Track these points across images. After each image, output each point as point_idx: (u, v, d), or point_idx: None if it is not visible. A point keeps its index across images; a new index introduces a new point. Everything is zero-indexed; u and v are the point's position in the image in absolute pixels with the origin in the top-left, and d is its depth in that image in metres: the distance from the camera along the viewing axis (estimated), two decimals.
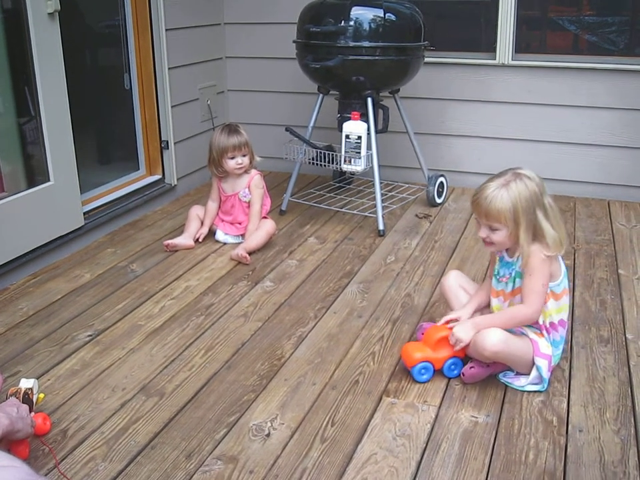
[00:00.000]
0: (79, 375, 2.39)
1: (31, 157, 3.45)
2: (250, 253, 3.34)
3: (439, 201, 4.10)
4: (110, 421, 2.14)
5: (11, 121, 3.34)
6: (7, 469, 1.54)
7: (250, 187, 3.49)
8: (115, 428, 2.11)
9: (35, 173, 3.41)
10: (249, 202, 3.51)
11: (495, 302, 2.38)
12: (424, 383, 2.32)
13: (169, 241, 3.46)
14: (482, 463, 1.94)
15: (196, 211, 3.60)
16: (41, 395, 2.13)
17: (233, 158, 3.43)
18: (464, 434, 2.07)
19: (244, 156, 3.45)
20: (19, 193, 3.21)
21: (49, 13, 3.18)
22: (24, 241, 3.19)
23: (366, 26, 3.56)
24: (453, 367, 2.34)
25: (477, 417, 2.15)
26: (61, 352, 2.54)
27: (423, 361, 2.31)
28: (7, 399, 1.98)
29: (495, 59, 4.18)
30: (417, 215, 3.94)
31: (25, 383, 2.06)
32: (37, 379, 2.20)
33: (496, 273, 2.37)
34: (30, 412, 1.97)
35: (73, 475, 1.91)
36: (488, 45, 4.23)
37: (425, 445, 2.02)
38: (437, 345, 2.32)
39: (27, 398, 2.01)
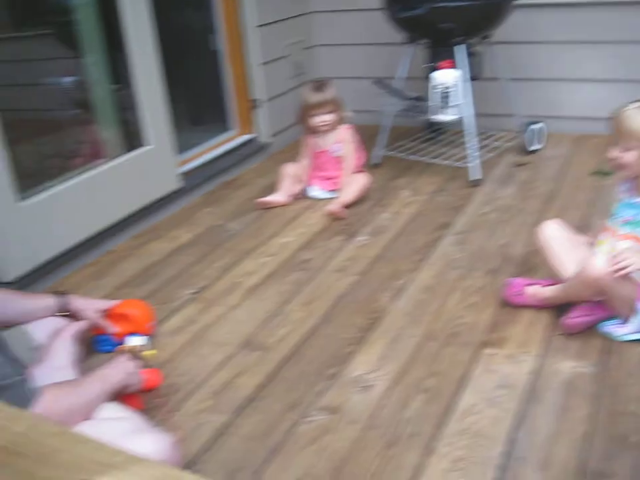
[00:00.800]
0: (184, 332, 2.47)
1: (127, 123, 3.54)
2: (345, 208, 3.35)
3: (535, 147, 3.99)
4: (215, 375, 2.21)
5: (106, 88, 3.44)
6: (125, 420, 1.64)
7: (341, 141, 3.49)
8: (221, 381, 2.18)
9: (132, 137, 3.50)
10: (340, 156, 3.51)
11: (602, 237, 2.32)
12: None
13: (263, 199, 3.51)
14: (585, 413, 1.91)
15: (288, 169, 3.63)
16: (152, 351, 2.22)
17: (317, 115, 3.44)
18: (566, 384, 2.04)
19: (328, 113, 3.44)
20: (118, 158, 3.31)
21: None
22: (125, 205, 3.30)
23: None
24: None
25: (579, 367, 2.11)
26: (166, 310, 2.63)
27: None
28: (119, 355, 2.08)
29: None
30: (512, 163, 3.86)
31: (136, 341, 2.16)
32: None
33: (615, 213, 2.31)
34: (141, 368, 2.06)
35: (183, 427, 1.99)
36: None
37: (526, 396, 2.01)
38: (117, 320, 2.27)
39: (137, 355, 2.10)
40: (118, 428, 1.61)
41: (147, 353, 2.21)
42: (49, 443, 1.00)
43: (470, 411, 1.96)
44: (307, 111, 3.47)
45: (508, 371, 2.12)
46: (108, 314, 2.28)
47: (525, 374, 2.10)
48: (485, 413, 1.95)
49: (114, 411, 1.73)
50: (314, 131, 3.53)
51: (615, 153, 2.22)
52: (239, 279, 2.83)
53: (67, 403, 1.61)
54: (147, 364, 2.14)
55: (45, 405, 1.54)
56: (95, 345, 2.29)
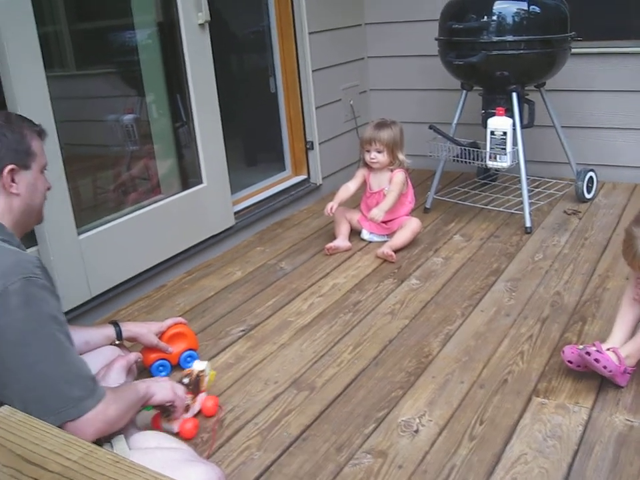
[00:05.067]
0: (234, 368, 2.50)
1: (184, 161, 3.63)
2: (395, 251, 3.36)
3: (588, 196, 3.96)
4: (263, 413, 2.23)
5: (166, 126, 3.53)
6: (176, 451, 1.67)
7: (392, 182, 3.48)
8: (269, 419, 2.19)
9: (188, 175, 3.58)
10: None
11: None
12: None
13: (331, 244, 3.48)
14: (638, 469, 1.87)
15: (342, 213, 3.63)
16: (212, 373, 2.30)
17: (369, 151, 3.47)
18: (618, 438, 2.00)
19: (378, 152, 3.45)
20: (174, 195, 3.38)
21: (199, 24, 3.32)
22: (179, 241, 3.36)
23: (509, 20, 3.50)
24: (189, 358, 2.47)
25: (632, 421, 2.07)
26: (216, 346, 2.67)
27: (159, 359, 2.43)
28: (180, 380, 2.18)
29: None
30: (565, 211, 3.83)
31: (198, 365, 2.26)
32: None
33: None
34: (199, 392, 2.19)
35: (229, 463, 2.00)
36: (638, 32, 4.04)
37: (576, 447, 1.97)
38: (170, 341, 2.44)
39: (197, 380, 2.20)
40: (171, 457, 1.64)
41: (210, 375, 2.29)
42: (103, 472, 1.01)
43: (519, 461, 1.93)
44: (362, 144, 3.52)
45: (558, 421, 2.09)
46: (161, 336, 2.41)
47: (575, 425, 2.06)
48: (534, 463, 1.92)
49: (166, 440, 1.77)
50: (369, 168, 3.55)
51: None
52: (289, 318, 2.85)
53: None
54: (208, 390, 2.26)
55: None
56: (152, 371, 2.41)
